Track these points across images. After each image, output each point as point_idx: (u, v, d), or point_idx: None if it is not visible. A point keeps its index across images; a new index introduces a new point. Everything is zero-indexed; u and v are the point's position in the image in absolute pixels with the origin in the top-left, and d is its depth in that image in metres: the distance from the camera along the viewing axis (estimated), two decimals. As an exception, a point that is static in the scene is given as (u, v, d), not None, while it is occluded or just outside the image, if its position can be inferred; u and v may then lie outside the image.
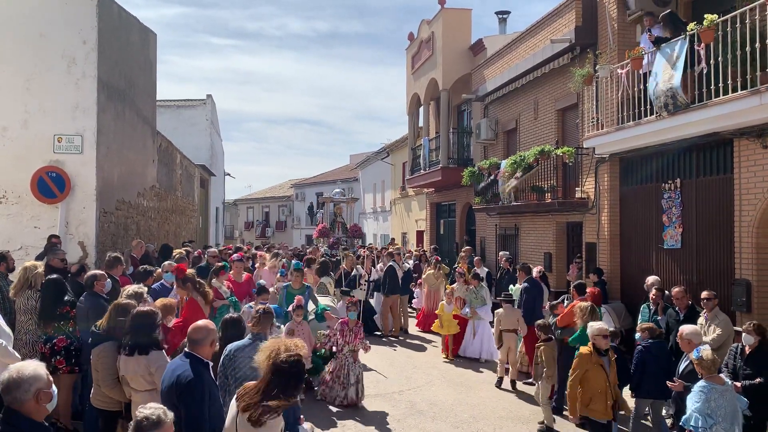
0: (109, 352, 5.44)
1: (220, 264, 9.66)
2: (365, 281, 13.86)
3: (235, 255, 11.00)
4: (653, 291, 8.87)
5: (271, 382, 3.92)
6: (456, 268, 14.47)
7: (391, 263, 14.81)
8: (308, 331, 9.05)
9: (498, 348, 10.57)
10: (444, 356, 12.20)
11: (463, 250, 17.02)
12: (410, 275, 15.56)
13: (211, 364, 4.70)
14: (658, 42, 9.45)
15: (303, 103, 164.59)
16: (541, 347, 8.54)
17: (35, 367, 3.50)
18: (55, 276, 7.34)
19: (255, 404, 3.86)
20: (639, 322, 8.51)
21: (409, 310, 15.98)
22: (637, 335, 7.71)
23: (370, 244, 27.72)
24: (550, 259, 14.17)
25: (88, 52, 11.54)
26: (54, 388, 3.55)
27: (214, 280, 9.01)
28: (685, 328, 6.64)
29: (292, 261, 14.01)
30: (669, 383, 6.60)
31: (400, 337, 14.33)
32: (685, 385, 6.16)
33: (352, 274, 13.65)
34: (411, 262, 16.88)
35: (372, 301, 15.11)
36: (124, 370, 5.22)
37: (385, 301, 14.61)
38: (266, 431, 3.87)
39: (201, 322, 4.79)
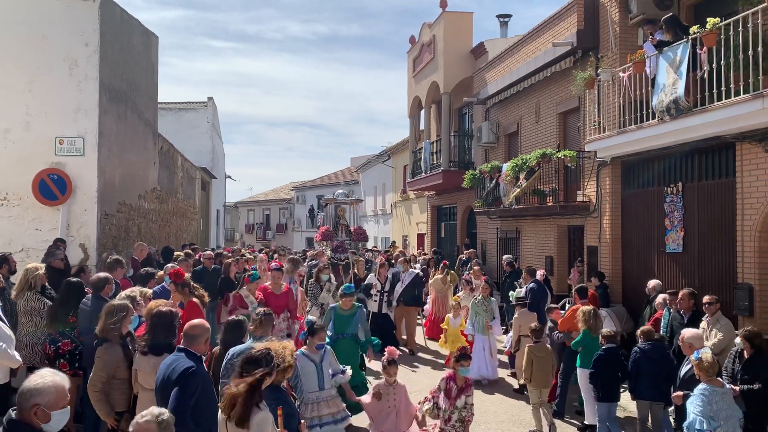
0: (101, 354, 5.48)
1: (249, 272, 9.21)
2: (378, 291, 12.57)
3: (273, 263, 10.23)
4: (684, 298, 8.31)
5: (240, 378, 4.11)
6: (463, 275, 13.54)
7: (418, 271, 13.53)
8: (405, 395, 6.78)
9: (512, 353, 10.22)
10: None
11: (465, 252, 16.93)
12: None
13: (204, 358, 4.85)
14: (660, 46, 9.46)
15: (303, 106, 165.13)
16: (531, 348, 8.38)
17: (48, 382, 3.28)
18: (75, 279, 7.37)
19: (233, 408, 4.01)
20: (669, 332, 8.28)
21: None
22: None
23: (374, 246, 27.44)
24: (551, 263, 14.16)
25: (90, 54, 11.55)
26: (63, 411, 3.31)
27: (243, 289, 8.75)
28: (687, 332, 6.63)
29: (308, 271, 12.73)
30: (672, 396, 6.57)
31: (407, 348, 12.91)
32: (686, 393, 6.14)
33: (366, 281, 12.59)
34: (418, 266, 15.94)
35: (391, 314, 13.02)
36: (137, 365, 5.29)
37: (404, 310, 12.88)
38: (255, 428, 3.99)
39: (197, 321, 4.93)
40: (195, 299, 7.61)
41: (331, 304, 9.65)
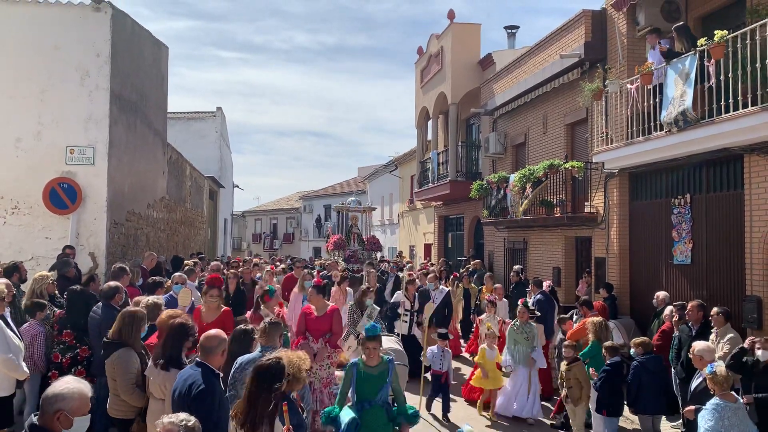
0: (123, 359, 5.49)
1: (264, 288, 8.40)
2: (407, 311, 11.05)
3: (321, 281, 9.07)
4: (693, 310, 8.11)
5: (252, 386, 4.09)
6: (484, 293, 12.14)
7: (448, 288, 11.98)
8: None
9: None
10: (486, 416, 9.20)
11: (471, 263, 16.87)
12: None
13: (221, 374, 4.76)
14: (669, 55, 9.44)
15: (310, 116, 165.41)
16: (573, 368, 7.92)
17: (73, 388, 3.32)
18: (78, 287, 7.40)
19: (246, 416, 4.02)
20: (677, 344, 8.19)
21: None
22: (632, 351, 7.70)
23: (382, 256, 27.11)
24: (558, 274, 14.13)
25: (101, 64, 11.68)
26: (85, 418, 3.35)
27: (261, 308, 7.88)
28: (698, 345, 6.60)
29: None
30: (683, 411, 6.53)
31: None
32: (697, 407, 6.10)
33: (392, 300, 11.25)
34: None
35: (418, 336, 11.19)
36: (149, 372, 5.30)
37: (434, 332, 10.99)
38: None
39: (213, 331, 4.88)
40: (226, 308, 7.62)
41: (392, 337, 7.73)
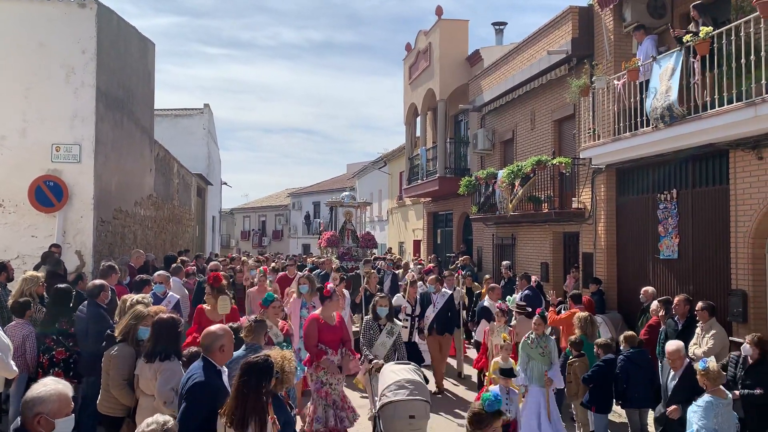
0: (121, 354, 5.49)
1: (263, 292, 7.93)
2: (408, 315, 10.34)
3: (329, 284, 8.37)
4: (680, 304, 8.14)
5: (240, 384, 4.07)
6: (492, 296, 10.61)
7: (451, 291, 11.01)
8: None
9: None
10: None
11: (460, 259, 16.90)
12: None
13: (224, 371, 4.73)
14: (679, 40, 9.19)
15: (298, 112, 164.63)
16: (576, 364, 7.86)
17: (51, 391, 3.24)
18: (64, 285, 7.34)
19: (235, 414, 4.01)
20: (664, 338, 8.21)
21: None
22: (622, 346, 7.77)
23: (375, 254, 26.66)
24: (547, 269, 14.19)
25: (87, 61, 11.58)
26: (67, 419, 3.27)
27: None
28: (668, 346, 6.67)
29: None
30: (667, 411, 6.58)
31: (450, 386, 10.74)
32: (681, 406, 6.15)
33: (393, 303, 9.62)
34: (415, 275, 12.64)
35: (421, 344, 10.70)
36: (139, 370, 5.30)
37: (437, 340, 10.50)
38: None
39: (212, 328, 4.89)
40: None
41: (392, 370, 6.42)
